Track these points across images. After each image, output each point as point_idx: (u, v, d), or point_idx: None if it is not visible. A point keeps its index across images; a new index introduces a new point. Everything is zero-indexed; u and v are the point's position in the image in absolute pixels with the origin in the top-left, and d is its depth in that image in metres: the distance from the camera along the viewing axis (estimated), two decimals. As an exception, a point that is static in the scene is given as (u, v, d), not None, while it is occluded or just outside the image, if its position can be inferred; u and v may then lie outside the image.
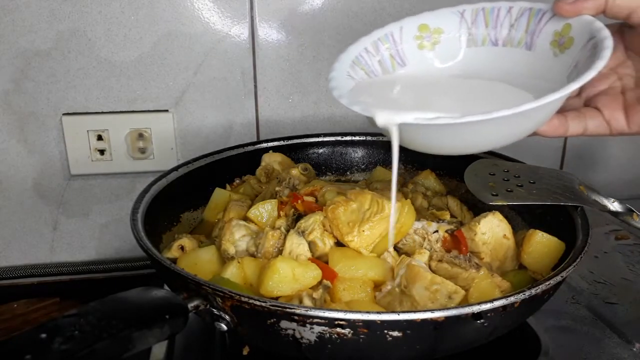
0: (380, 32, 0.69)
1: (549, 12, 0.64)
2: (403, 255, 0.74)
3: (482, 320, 0.58)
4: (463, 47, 0.68)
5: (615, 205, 0.80)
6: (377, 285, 0.71)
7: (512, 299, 0.59)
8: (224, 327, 0.61)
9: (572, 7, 0.59)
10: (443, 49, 0.69)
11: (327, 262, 0.72)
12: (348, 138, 1.04)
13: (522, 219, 0.88)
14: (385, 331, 0.57)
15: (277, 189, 0.87)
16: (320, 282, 0.68)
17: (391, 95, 0.67)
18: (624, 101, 0.61)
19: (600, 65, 0.54)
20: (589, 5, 0.58)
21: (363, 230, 0.73)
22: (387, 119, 0.59)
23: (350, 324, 0.57)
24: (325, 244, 0.74)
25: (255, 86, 1.09)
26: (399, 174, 1.00)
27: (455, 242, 0.77)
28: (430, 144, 0.62)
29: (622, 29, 0.62)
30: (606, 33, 0.57)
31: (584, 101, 0.65)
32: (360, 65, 0.68)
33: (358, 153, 1.04)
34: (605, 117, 0.62)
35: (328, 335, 0.58)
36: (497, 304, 0.58)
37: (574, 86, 0.54)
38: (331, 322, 0.57)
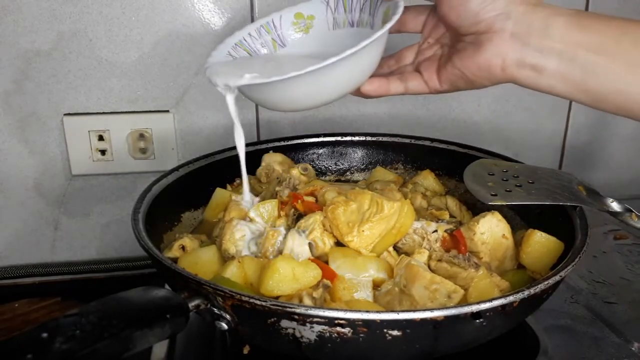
0: (263, 20, 0.83)
1: None
2: (402, 255, 0.74)
3: (481, 320, 0.59)
4: (330, 30, 0.83)
5: (614, 205, 0.80)
6: (377, 285, 0.71)
7: (511, 299, 0.59)
8: (225, 326, 0.62)
9: None
10: (316, 31, 0.83)
11: (327, 262, 0.72)
12: (348, 138, 1.04)
13: (521, 219, 0.89)
14: (385, 330, 0.57)
15: (277, 189, 0.87)
16: (320, 282, 0.69)
17: (247, 68, 0.78)
18: (438, 64, 0.73)
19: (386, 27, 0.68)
20: None
21: (363, 230, 0.73)
22: (219, 81, 0.74)
23: (350, 323, 0.57)
24: (325, 244, 0.74)
25: (256, 86, 1.09)
26: (399, 174, 1.01)
27: (455, 242, 0.78)
28: (267, 101, 0.76)
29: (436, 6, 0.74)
30: (400, 7, 0.71)
31: (415, 67, 0.77)
32: (244, 47, 0.82)
33: (358, 153, 1.05)
34: (424, 78, 0.74)
35: (328, 334, 0.58)
36: (496, 303, 0.59)
37: (355, 49, 0.65)
38: (331, 322, 0.57)
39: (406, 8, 0.73)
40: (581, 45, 0.62)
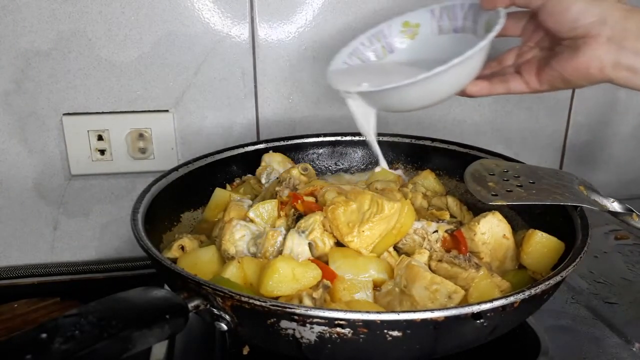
0: (374, 29, 0.91)
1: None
2: (403, 255, 0.74)
3: (481, 320, 0.58)
4: (435, 36, 0.89)
5: (614, 205, 0.80)
6: (377, 285, 0.71)
7: (511, 299, 0.59)
8: (224, 327, 0.62)
9: (490, 3, 0.78)
10: (421, 38, 0.90)
11: (327, 262, 0.72)
12: (348, 138, 1.04)
13: (521, 219, 0.88)
14: (385, 331, 0.57)
15: (277, 189, 0.87)
16: (320, 282, 0.68)
17: (363, 75, 0.87)
18: (538, 66, 0.78)
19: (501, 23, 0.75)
20: (501, 0, 0.77)
21: (363, 231, 0.73)
22: (341, 88, 0.83)
23: (350, 323, 0.57)
24: (325, 244, 0.74)
25: (255, 86, 1.09)
26: (399, 174, 1.01)
27: (455, 242, 0.78)
28: (383, 104, 0.84)
29: (532, 14, 0.79)
30: (504, 12, 0.77)
31: (515, 68, 0.82)
32: (357, 55, 0.91)
33: (358, 153, 1.05)
34: (524, 79, 0.79)
35: (328, 335, 0.58)
36: (496, 303, 0.58)
37: (459, 59, 0.72)
38: (331, 322, 0.57)
39: (507, 14, 0.78)
40: None
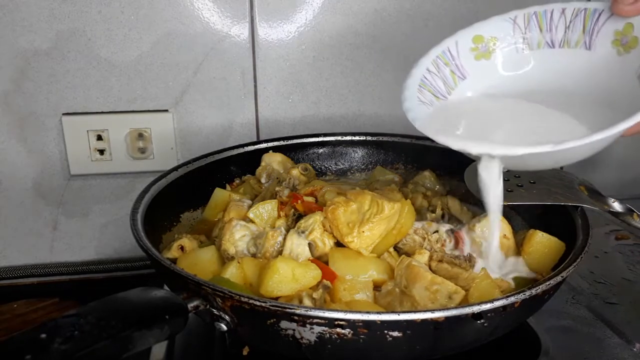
0: (437, 49, 0.70)
1: (607, 11, 0.63)
2: (403, 256, 0.74)
3: (482, 321, 0.58)
4: (520, 53, 0.69)
5: (615, 205, 0.80)
6: (377, 286, 0.71)
7: (512, 299, 0.59)
8: (224, 327, 0.61)
9: (633, 7, 0.58)
10: (499, 56, 0.70)
11: (327, 263, 0.72)
12: (348, 138, 1.04)
13: (522, 219, 0.88)
14: (385, 331, 0.57)
15: (277, 189, 0.87)
16: (320, 283, 0.68)
17: (458, 120, 0.68)
18: None
19: None
20: None
21: (363, 231, 0.73)
22: (474, 150, 0.62)
23: (350, 324, 0.57)
24: (325, 244, 0.74)
25: (255, 86, 1.09)
26: (400, 174, 1.00)
27: (455, 242, 0.77)
28: (523, 165, 0.68)
29: None
30: None
31: None
32: (427, 87, 0.70)
33: (358, 153, 1.04)
34: None
35: (328, 335, 0.58)
36: (497, 304, 0.58)
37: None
38: (331, 322, 0.57)
39: None
40: None
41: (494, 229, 0.71)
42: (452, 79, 0.71)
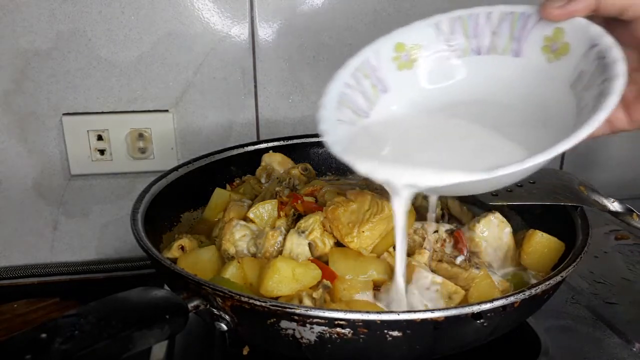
0: (356, 60, 0.64)
1: (535, 15, 0.59)
2: (403, 256, 0.74)
3: (482, 320, 0.58)
4: (447, 62, 0.63)
5: (615, 205, 0.80)
6: (377, 285, 0.71)
7: (512, 299, 0.59)
8: (224, 327, 0.62)
9: (562, 10, 0.55)
10: (424, 66, 0.64)
11: (327, 262, 0.72)
12: (348, 138, 1.03)
13: (522, 219, 0.88)
14: (385, 331, 0.57)
15: (277, 189, 0.87)
16: (320, 282, 0.68)
17: (384, 145, 0.63)
18: (624, 98, 0.56)
19: (613, 101, 0.51)
20: (580, 6, 0.54)
21: (363, 231, 0.73)
22: (397, 181, 0.57)
23: (350, 324, 0.57)
24: (325, 244, 0.74)
25: (255, 86, 1.09)
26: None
27: (455, 242, 0.77)
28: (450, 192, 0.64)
29: (609, 21, 0.57)
30: (609, 40, 0.54)
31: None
32: (346, 104, 0.64)
33: (358, 153, 1.04)
34: (613, 116, 0.60)
35: (328, 335, 0.58)
36: (497, 303, 0.58)
37: (586, 132, 0.50)
38: (331, 322, 0.57)
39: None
40: None
41: (397, 260, 0.65)
42: (373, 92, 0.64)
